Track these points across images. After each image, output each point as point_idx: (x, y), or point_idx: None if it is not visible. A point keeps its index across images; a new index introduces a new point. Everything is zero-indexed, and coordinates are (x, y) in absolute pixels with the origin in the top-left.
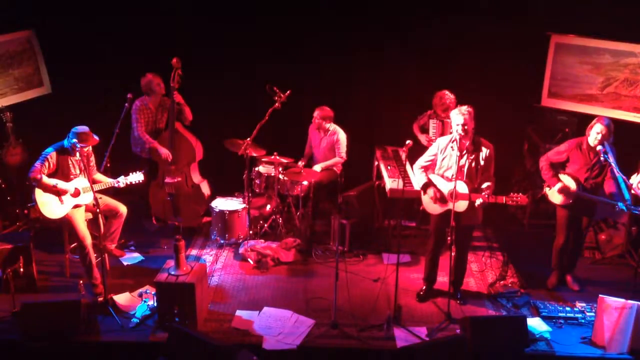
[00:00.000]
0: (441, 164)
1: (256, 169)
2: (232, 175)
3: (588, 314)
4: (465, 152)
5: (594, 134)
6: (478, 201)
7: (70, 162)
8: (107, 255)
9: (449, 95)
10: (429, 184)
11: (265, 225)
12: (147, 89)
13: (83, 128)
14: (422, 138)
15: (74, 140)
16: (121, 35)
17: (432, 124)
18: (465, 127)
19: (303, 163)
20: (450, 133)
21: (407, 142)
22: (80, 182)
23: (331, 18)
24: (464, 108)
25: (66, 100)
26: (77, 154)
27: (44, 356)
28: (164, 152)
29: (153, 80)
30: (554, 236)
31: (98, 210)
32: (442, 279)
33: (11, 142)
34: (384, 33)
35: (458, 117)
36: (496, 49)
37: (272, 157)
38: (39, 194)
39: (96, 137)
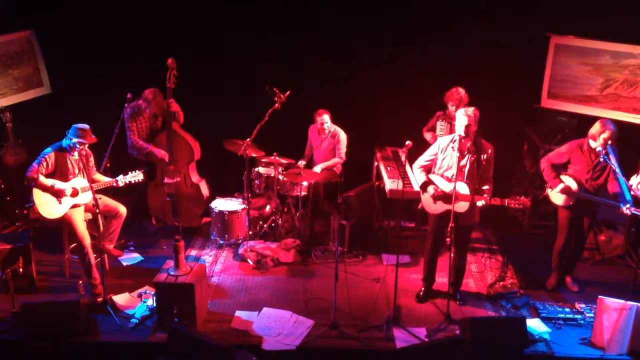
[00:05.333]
0: (441, 164)
1: (256, 169)
2: (232, 176)
3: (587, 315)
4: (466, 152)
5: (602, 140)
6: (480, 202)
7: (69, 162)
8: (106, 255)
9: (462, 91)
10: (428, 183)
11: (265, 225)
12: (147, 102)
13: (83, 125)
14: (428, 135)
15: (73, 137)
16: (121, 36)
17: (440, 126)
18: (468, 129)
19: (304, 163)
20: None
21: (407, 142)
22: (79, 182)
23: (331, 18)
24: (470, 109)
25: (66, 101)
26: (76, 153)
27: (43, 356)
28: (161, 152)
29: (158, 100)
30: (553, 237)
31: (97, 210)
32: (442, 280)
33: (11, 142)
34: (384, 33)
35: (462, 117)
36: (496, 50)
37: (272, 157)
38: (37, 194)
39: (94, 137)
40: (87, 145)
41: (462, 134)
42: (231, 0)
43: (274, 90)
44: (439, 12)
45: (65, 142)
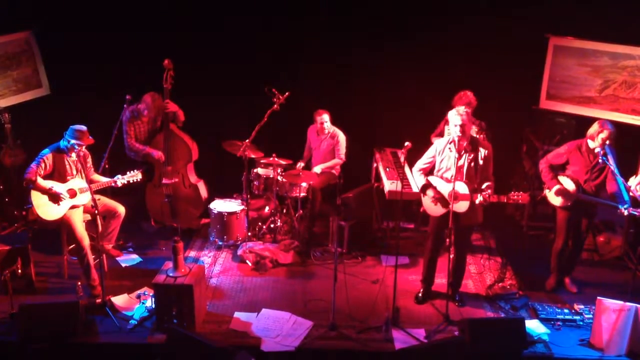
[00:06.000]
0: (440, 165)
1: (255, 170)
2: (231, 177)
3: (586, 316)
4: (463, 152)
5: (600, 140)
6: (478, 199)
7: (66, 163)
8: (105, 255)
9: (470, 94)
10: (427, 186)
11: (264, 226)
12: (147, 105)
13: (80, 126)
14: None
15: (71, 138)
16: (119, 36)
17: (447, 130)
18: (464, 128)
19: (302, 164)
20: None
21: (406, 144)
22: (77, 182)
23: (331, 18)
24: (462, 109)
25: (65, 102)
26: (74, 154)
27: (42, 358)
28: (158, 153)
29: (158, 104)
30: (552, 238)
31: (96, 211)
32: (441, 281)
33: (10, 143)
34: (383, 34)
35: (456, 117)
36: (495, 51)
37: (271, 158)
38: (35, 195)
39: (91, 138)
40: (84, 147)
41: (459, 134)
42: (231, 0)
43: (273, 91)
44: (439, 12)
45: (62, 143)
